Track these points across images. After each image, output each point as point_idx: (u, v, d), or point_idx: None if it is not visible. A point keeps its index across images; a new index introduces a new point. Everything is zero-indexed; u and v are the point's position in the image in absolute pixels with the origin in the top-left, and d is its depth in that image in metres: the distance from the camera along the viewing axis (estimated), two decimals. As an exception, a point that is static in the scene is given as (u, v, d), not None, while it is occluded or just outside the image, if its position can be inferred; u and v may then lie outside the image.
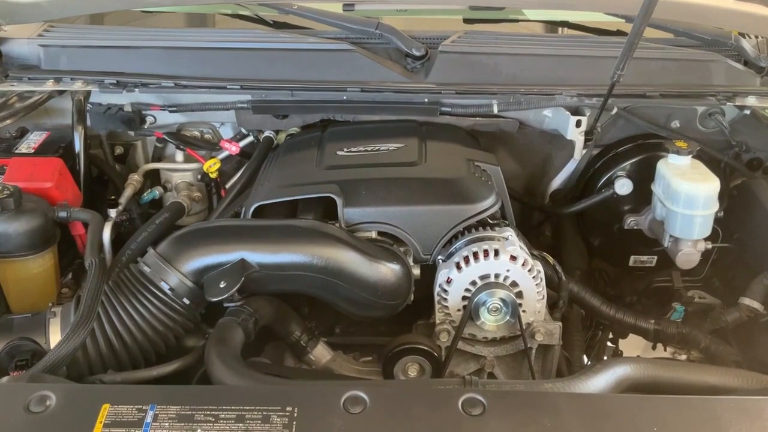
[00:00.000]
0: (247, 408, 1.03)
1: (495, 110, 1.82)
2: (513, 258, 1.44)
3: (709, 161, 1.79)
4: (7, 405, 1.04)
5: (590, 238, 2.04)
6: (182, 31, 2.15)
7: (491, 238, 1.49)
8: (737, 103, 1.83)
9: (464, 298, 1.47)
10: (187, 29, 2.41)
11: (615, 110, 1.83)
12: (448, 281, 1.46)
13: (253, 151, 1.91)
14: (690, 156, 1.72)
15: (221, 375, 1.22)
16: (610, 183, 1.89)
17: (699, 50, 1.98)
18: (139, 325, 1.35)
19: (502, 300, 1.44)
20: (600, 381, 1.23)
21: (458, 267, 1.45)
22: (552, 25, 2.49)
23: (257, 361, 1.48)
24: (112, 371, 1.31)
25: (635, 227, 1.89)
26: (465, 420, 1.02)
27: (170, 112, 1.90)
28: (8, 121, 1.79)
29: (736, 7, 1.84)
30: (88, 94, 1.83)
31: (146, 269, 1.39)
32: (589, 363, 1.95)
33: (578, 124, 1.79)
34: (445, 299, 1.48)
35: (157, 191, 1.94)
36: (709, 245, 1.74)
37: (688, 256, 1.72)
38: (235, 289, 1.34)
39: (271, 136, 1.93)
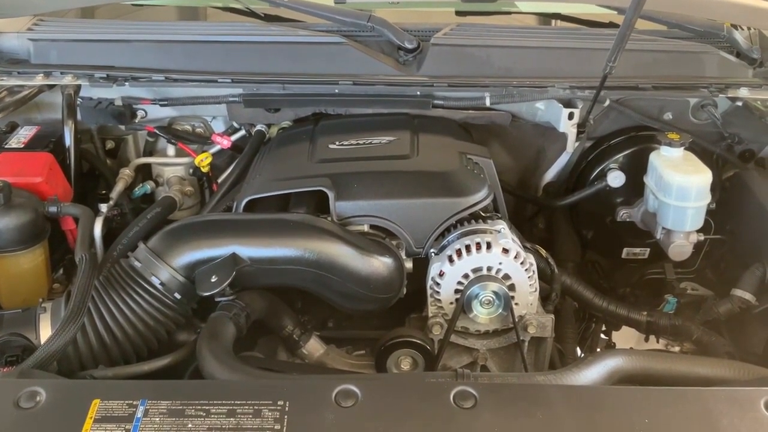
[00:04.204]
0: (239, 402, 1.03)
1: (487, 103, 1.81)
2: (505, 251, 1.44)
3: (701, 153, 1.79)
4: (-3, 401, 1.03)
5: (583, 230, 2.03)
6: (173, 25, 2.14)
7: (484, 231, 1.48)
8: (729, 95, 1.83)
9: (457, 291, 1.47)
10: (178, 23, 2.40)
11: (607, 102, 1.83)
12: (441, 274, 1.46)
13: (245, 145, 1.91)
14: (682, 148, 1.72)
15: (213, 369, 1.22)
16: (602, 175, 1.89)
17: (691, 42, 1.97)
18: (130, 320, 1.34)
19: (495, 293, 1.44)
20: (592, 373, 1.23)
21: (450, 260, 1.45)
22: (544, 18, 2.48)
23: (249, 356, 1.47)
24: (103, 366, 1.31)
25: (628, 219, 1.89)
26: (457, 413, 1.02)
27: (161, 106, 1.88)
28: (-2, 116, 1.78)
29: (729, -1, 1.84)
30: (78, 88, 1.82)
31: (137, 264, 1.38)
32: (582, 355, 1.96)
33: (571, 116, 1.79)
34: (438, 292, 1.47)
35: (149, 186, 1.94)
36: (702, 237, 1.74)
37: (681, 247, 1.72)
38: (226, 283, 1.34)
39: (263, 129, 1.92)
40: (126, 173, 1.88)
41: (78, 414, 1.01)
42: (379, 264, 1.41)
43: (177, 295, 1.38)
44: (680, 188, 1.65)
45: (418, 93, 1.82)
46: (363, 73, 1.83)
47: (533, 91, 1.81)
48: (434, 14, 2.51)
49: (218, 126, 2.02)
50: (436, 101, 1.83)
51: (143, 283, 1.36)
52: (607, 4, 2.14)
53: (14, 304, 1.47)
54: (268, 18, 2.19)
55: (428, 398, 1.06)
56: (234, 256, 1.37)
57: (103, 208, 1.74)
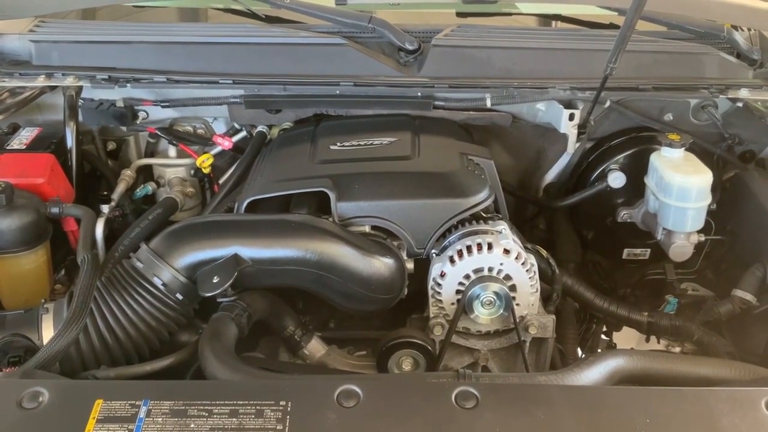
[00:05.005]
0: (241, 402, 1.03)
1: (488, 104, 1.81)
2: (506, 251, 1.44)
3: (701, 154, 1.79)
4: (0, 401, 1.03)
5: (584, 231, 2.04)
6: (174, 26, 2.14)
7: (485, 232, 1.49)
8: (730, 96, 1.83)
9: (458, 291, 1.47)
10: (180, 24, 2.40)
11: (608, 103, 1.83)
12: (442, 275, 1.46)
13: (246, 146, 1.91)
14: (683, 148, 1.72)
15: (215, 370, 1.22)
16: (603, 176, 1.89)
17: (692, 43, 1.98)
18: (132, 320, 1.34)
19: (496, 293, 1.45)
20: (593, 373, 1.23)
21: (452, 261, 1.45)
22: (545, 19, 2.48)
23: (251, 356, 1.48)
24: (106, 367, 1.31)
25: (628, 220, 1.89)
26: (458, 413, 1.03)
27: (162, 107, 1.89)
28: (0, 117, 1.78)
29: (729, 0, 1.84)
30: (79, 89, 1.82)
31: (139, 265, 1.39)
32: (583, 356, 1.96)
33: (571, 117, 1.79)
34: (439, 293, 1.48)
35: (150, 187, 1.94)
36: (702, 237, 1.74)
37: (681, 248, 1.72)
38: (228, 284, 1.34)
39: (264, 130, 1.93)
40: (127, 174, 1.88)
41: (81, 414, 1.01)
42: (380, 265, 1.42)
43: (179, 296, 1.38)
44: (681, 189, 1.65)
45: (419, 94, 1.83)
46: (364, 74, 1.83)
47: (534, 92, 1.81)
48: (435, 15, 2.51)
49: (219, 127, 2.02)
50: (436, 102, 1.84)
51: (145, 283, 1.36)
52: (608, 5, 2.14)
53: (16, 305, 1.47)
54: (269, 19, 2.19)
55: (430, 398, 1.07)
56: (236, 257, 1.37)
57: (105, 209, 1.75)
